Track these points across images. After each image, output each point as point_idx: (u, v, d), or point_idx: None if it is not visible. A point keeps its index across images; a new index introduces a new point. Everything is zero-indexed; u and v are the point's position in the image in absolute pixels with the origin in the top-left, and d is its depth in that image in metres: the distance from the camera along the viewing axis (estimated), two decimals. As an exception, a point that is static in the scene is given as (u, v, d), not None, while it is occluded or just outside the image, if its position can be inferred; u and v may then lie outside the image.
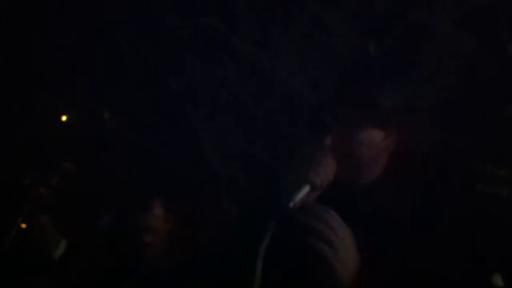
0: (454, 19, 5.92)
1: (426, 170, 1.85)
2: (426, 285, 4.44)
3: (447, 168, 5.15)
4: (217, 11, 6.22)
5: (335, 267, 1.60)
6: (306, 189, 1.73)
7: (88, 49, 5.84)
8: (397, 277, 3.86)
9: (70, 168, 4.67)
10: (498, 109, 5.35)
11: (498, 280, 4.23)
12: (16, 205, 3.70)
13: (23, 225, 3.69)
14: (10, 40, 5.82)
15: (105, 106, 5.88)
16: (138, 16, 5.95)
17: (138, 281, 2.76)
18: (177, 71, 5.93)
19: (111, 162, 5.18)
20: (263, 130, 1.75)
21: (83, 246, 3.56)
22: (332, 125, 1.74)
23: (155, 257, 2.93)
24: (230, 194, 1.81)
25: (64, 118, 5.66)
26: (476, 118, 5.47)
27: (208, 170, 5.90)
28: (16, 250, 3.51)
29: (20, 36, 5.83)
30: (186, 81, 5.88)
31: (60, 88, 5.83)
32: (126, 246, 3.12)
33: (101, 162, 5.20)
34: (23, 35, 5.84)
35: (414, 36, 6.23)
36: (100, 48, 5.90)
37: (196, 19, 6.01)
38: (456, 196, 4.88)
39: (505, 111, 5.51)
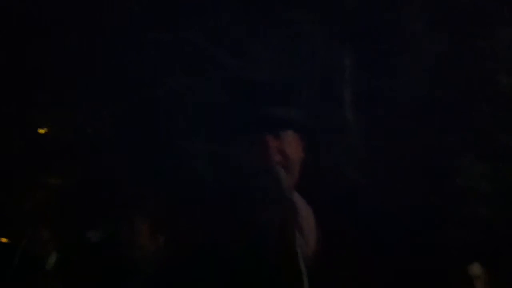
0: (427, 19, 6.07)
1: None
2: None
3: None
4: (199, 25, 6.34)
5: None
6: (281, 172, 1.84)
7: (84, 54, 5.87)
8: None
9: (54, 182, 4.75)
10: (475, 105, 5.49)
11: (476, 269, 4.34)
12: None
13: (4, 240, 3.80)
14: (9, 41, 5.83)
15: (102, 109, 5.89)
16: (125, 31, 6.04)
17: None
18: (161, 83, 6.02)
19: (107, 163, 5.24)
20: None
21: (72, 258, 3.63)
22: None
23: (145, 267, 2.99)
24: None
25: (41, 131, 5.65)
26: (453, 115, 5.62)
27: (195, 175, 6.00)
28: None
29: (19, 37, 5.85)
30: (173, 91, 5.98)
31: (59, 90, 5.81)
32: (113, 260, 3.17)
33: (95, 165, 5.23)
34: (22, 35, 5.86)
35: (390, 38, 6.39)
36: (93, 55, 5.95)
37: (179, 33, 6.13)
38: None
39: (483, 108, 5.67)
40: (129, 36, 5.74)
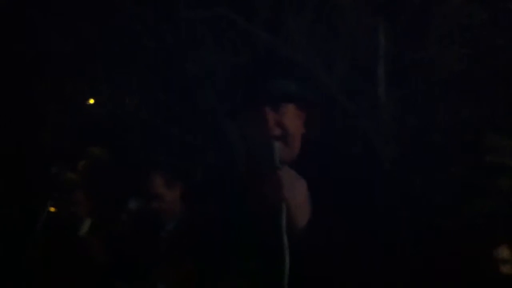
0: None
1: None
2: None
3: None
4: (232, 1, 6.41)
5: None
6: (276, 146, 1.85)
7: (109, 37, 6.04)
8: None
9: (96, 152, 4.92)
10: (507, 81, 5.40)
11: (504, 252, 4.19)
12: (45, 193, 3.98)
13: (52, 209, 3.96)
14: (31, 27, 6.01)
15: (126, 90, 6.07)
16: (157, 8, 6.17)
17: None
18: (194, 57, 6.14)
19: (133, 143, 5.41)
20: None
21: (106, 226, 3.79)
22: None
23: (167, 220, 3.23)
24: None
25: (91, 101, 5.88)
26: (485, 90, 5.54)
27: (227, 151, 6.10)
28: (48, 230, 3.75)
29: (40, 23, 6.02)
30: (203, 67, 6.09)
31: (84, 74, 6.00)
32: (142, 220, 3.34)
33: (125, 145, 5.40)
34: (43, 22, 6.04)
35: (424, 11, 6.30)
36: (121, 37, 6.11)
37: (210, 10, 6.21)
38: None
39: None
40: (163, 13, 5.87)
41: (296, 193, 1.74)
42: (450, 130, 5.19)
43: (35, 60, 5.81)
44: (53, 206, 4.01)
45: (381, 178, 5.39)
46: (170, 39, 5.98)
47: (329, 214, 1.79)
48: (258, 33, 6.02)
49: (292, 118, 1.89)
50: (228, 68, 5.73)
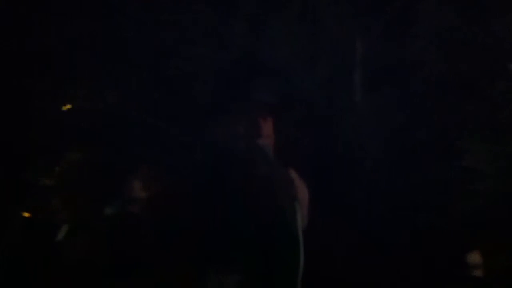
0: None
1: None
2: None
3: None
4: (212, 3, 6.41)
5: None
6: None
7: (94, 35, 6.00)
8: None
9: (73, 157, 4.93)
10: (483, 84, 5.46)
11: (475, 257, 4.26)
12: (18, 198, 3.98)
13: (27, 214, 3.96)
14: (9, 26, 5.92)
15: (112, 88, 6.03)
16: (139, 5, 6.14)
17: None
18: (178, 54, 6.12)
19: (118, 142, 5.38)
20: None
21: (83, 231, 3.78)
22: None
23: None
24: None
25: (67, 107, 5.83)
26: (461, 93, 5.60)
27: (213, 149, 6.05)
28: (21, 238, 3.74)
29: (20, 22, 5.94)
30: (189, 63, 6.08)
31: (64, 75, 5.95)
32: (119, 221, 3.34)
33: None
34: (24, 21, 5.95)
35: (403, 15, 6.34)
36: (105, 34, 6.07)
37: (191, 7, 6.21)
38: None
39: (494, 86, 5.63)
40: (143, 12, 5.85)
41: (305, 193, 1.80)
42: (428, 133, 5.24)
43: (11, 58, 5.74)
44: (28, 212, 4.01)
45: (361, 179, 5.44)
46: (152, 35, 5.97)
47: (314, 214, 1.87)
48: (238, 35, 6.03)
49: (269, 121, 1.96)
50: (211, 66, 5.73)
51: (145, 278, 3.16)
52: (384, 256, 4.82)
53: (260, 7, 6.31)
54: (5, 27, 5.90)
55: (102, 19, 5.98)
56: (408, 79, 5.62)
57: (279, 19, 6.05)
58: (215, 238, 1.81)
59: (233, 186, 1.82)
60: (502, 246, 4.50)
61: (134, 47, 6.02)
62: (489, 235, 4.43)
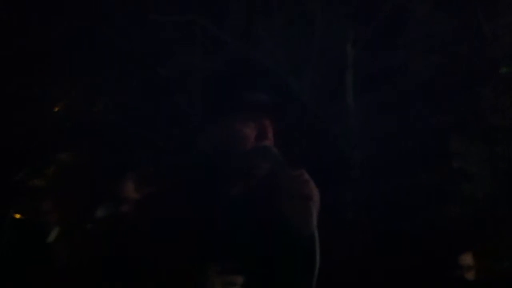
0: (431, 0, 6.05)
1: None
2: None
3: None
4: (203, 7, 6.41)
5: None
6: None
7: (82, 41, 5.97)
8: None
9: (65, 158, 4.85)
10: (474, 87, 5.51)
11: (467, 259, 4.29)
12: (8, 199, 3.92)
13: (17, 216, 3.90)
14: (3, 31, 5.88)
15: (99, 95, 6.02)
16: (128, 13, 6.12)
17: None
18: (166, 62, 6.12)
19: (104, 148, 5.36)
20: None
21: (75, 233, 3.74)
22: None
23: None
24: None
25: (56, 109, 5.81)
26: (452, 96, 5.64)
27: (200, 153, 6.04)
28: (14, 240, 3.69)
29: (13, 26, 5.90)
30: (175, 71, 6.08)
31: (54, 78, 5.92)
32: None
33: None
34: (17, 26, 5.92)
35: (394, 19, 6.38)
36: (94, 41, 6.05)
37: (180, 16, 6.21)
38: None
39: (482, 90, 5.68)
40: (133, 17, 5.84)
41: (317, 194, 1.81)
42: (418, 136, 5.27)
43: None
44: (18, 213, 3.95)
45: (349, 183, 5.46)
46: (140, 41, 5.96)
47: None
48: (228, 39, 6.03)
49: (268, 123, 1.97)
50: (200, 72, 5.73)
51: (140, 280, 3.13)
52: (375, 260, 4.82)
53: (252, 11, 6.34)
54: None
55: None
56: (399, 82, 5.65)
57: (271, 23, 6.07)
58: (215, 238, 1.80)
59: (238, 188, 1.82)
60: (494, 248, 4.52)
61: (124, 50, 6.01)
62: (481, 237, 4.45)
